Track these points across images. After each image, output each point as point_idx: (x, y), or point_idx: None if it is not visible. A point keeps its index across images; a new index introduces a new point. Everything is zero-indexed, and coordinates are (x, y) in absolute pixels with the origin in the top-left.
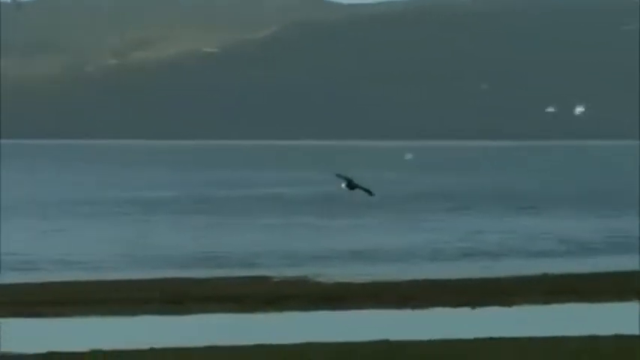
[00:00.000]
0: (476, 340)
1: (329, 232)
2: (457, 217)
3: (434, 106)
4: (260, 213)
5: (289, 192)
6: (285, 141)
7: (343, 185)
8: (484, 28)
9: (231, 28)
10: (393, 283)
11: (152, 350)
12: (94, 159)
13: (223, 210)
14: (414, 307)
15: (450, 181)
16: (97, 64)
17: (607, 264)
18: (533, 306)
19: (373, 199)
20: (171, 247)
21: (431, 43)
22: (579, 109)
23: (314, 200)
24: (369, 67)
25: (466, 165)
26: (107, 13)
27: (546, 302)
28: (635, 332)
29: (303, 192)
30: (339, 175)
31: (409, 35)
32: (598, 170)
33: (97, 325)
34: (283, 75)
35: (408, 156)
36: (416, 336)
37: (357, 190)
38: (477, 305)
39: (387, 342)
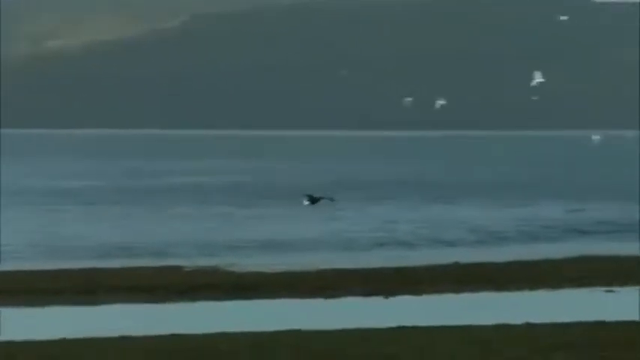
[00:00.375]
0: (388, 329)
1: (242, 222)
2: (369, 206)
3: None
4: (172, 203)
5: (202, 181)
6: (196, 130)
7: (306, 202)
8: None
9: (140, 18)
10: (305, 273)
11: (64, 341)
12: (6, 149)
13: (136, 200)
14: (326, 296)
15: (357, 170)
16: (8, 52)
17: (517, 253)
18: (444, 295)
19: (290, 188)
20: (84, 238)
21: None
22: (440, 102)
23: (226, 189)
24: (270, 57)
25: (360, 154)
26: (21, 2)
27: (457, 291)
28: (545, 320)
29: (215, 181)
30: (304, 195)
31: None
32: (497, 160)
33: (8, 316)
34: (191, 64)
35: None
36: (329, 325)
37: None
38: (389, 294)
39: (299, 332)
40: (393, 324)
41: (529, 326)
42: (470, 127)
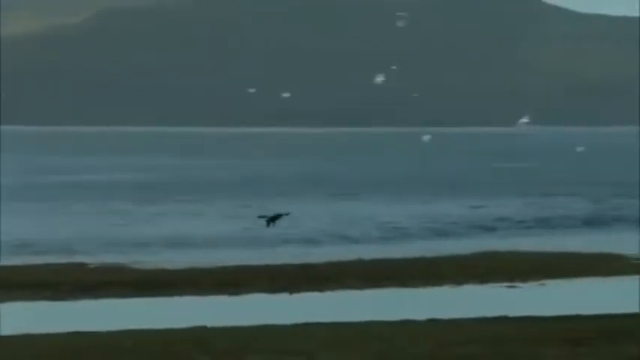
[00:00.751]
0: (293, 325)
1: (147, 219)
2: (273, 203)
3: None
4: (77, 199)
5: (106, 178)
6: (98, 127)
7: (265, 223)
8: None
9: (44, 14)
10: (210, 270)
11: None
12: None
13: (40, 196)
14: (231, 293)
15: (259, 166)
16: None
17: (421, 249)
18: (349, 291)
19: (197, 186)
20: None
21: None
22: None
23: (130, 186)
24: (173, 54)
25: (263, 150)
26: None
27: (361, 287)
28: (448, 316)
29: (120, 178)
30: (260, 217)
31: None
32: (389, 156)
33: None
34: (100, 59)
35: None
36: (233, 322)
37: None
38: (293, 291)
39: (204, 328)
40: (298, 320)
41: (432, 322)
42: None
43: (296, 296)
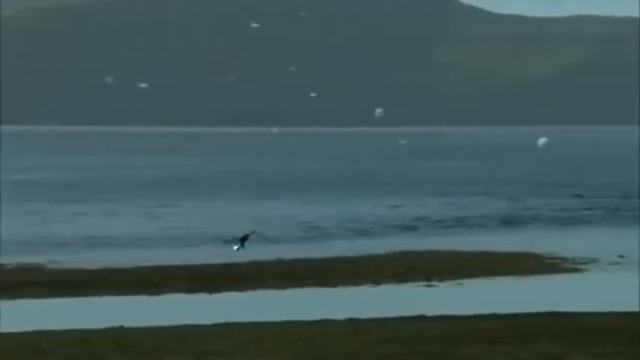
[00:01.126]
0: (213, 325)
1: (64, 218)
2: (194, 202)
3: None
4: None
5: (24, 178)
6: (29, 126)
7: (235, 247)
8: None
9: None
10: (129, 270)
11: None
12: None
13: None
14: (150, 293)
15: (182, 165)
16: None
17: (341, 249)
18: (269, 291)
19: (115, 185)
20: None
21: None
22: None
23: (47, 186)
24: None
25: (187, 150)
26: None
27: (281, 287)
28: (368, 315)
29: (39, 177)
30: (226, 241)
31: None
32: (310, 156)
33: None
34: (16, 58)
35: None
36: (153, 322)
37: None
38: (213, 291)
39: (123, 328)
40: (218, 320)
41: (352, 322)
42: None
43: (216, 296)
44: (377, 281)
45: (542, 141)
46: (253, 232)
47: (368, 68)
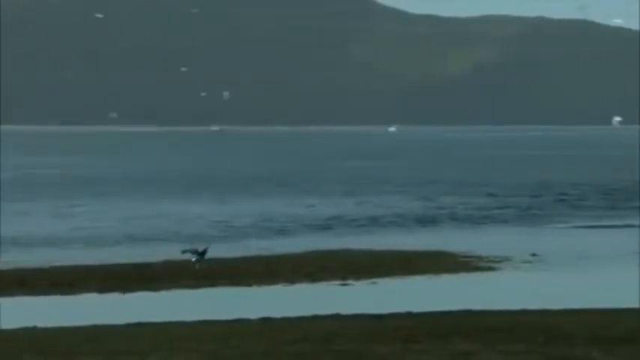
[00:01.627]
0: (126, 325)
1: None
2: (106, 201)
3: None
4: None
5: None
6: None
7: (194, 259)
8: None
9: None
10: (41, 269)
11: None
12: None
13: None
14: (63, 293)
15: (89, 165)
16: None
17: (257, 247)
18: (182, 290)
19: (26, 184)
20: None
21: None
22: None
23: None
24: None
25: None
26: None
27: (195, 286)
28: (284, 315)
29: None
30: (184, 251)
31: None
32: (224, 154)
33: None
34: None
35: None
36: (66, 322)
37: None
38: (126, 290)
39: (35, 329)
40: (131, 320)
41: (266, 321)
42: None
43: (129, 296)
44: (291, 280)
45: (391, 129)
46: (208, 246)
47: (286, 67)
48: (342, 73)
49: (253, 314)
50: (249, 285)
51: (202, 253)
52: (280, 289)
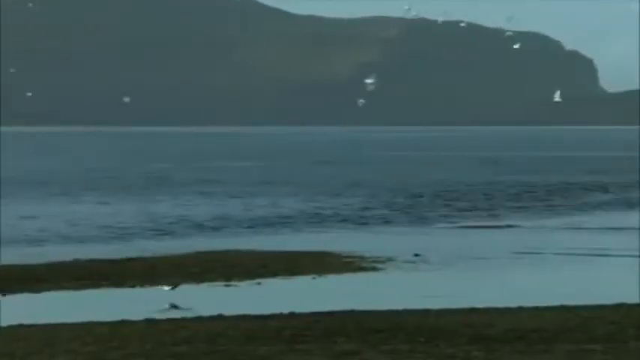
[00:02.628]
0: (7, 327)
1: None
2: None
3: None
4: None
5: None
6: None
7: (167, 288)
8: None
9: None
10: None
11: None
12: None
13: None
14: None
15: None
16: None
17: (140, 248)
18: (65, 291)
19: None
20: None
21: None
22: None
23: None
24: None
25: None
26: None
27: (78, 288)
28: (168, 316)
29: None
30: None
31: None
32: (101, 154)
33: None
34: None
35: None
36: None
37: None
38: (6, 292)
39: None
40: (12, 322)
41: (149, 322)
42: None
43: (10, 297)
44: (175, 281)
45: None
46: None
47: (166, 68)
48: (223, 73)
49: (137, 316)
50: (132, 286)
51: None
52: (163, 290)
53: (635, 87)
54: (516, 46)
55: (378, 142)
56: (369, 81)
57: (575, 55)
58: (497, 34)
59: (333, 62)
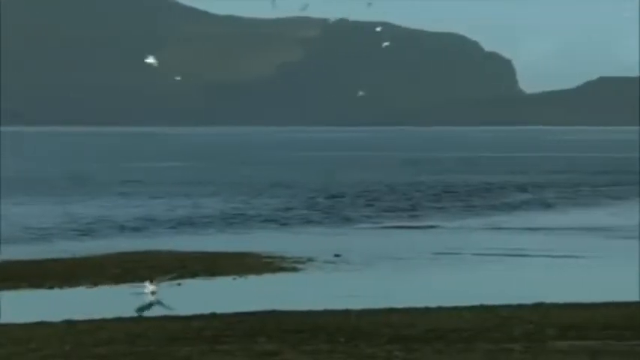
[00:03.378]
0: None
1: None
2: None
3: None
4: None
5: None
6: None
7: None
8: None
9: None
10: None
11: None
12: None
13: None
14: None
15: None
16: None
17: (61, 249)
18: None
19: None
20: None
21: None
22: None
23: None
24: None
25: None
26: None
27: None
28: (87, 317)
29: None
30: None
31: None
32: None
33: None
34: None
35: None
36: None
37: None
38: None
39: None
40: None
41: (69, 323)
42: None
43: None
44: (94, 282)
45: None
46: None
47: (81, 67)
48: (140, 74)
49: (56, 317)
50: (51, 287)
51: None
52: (84, 291)
53: (552, 88)
54: (435, 47)
55: (300, 142)
56: None
57: (494, 56)
58: (417, 35)
59: (253, 62)
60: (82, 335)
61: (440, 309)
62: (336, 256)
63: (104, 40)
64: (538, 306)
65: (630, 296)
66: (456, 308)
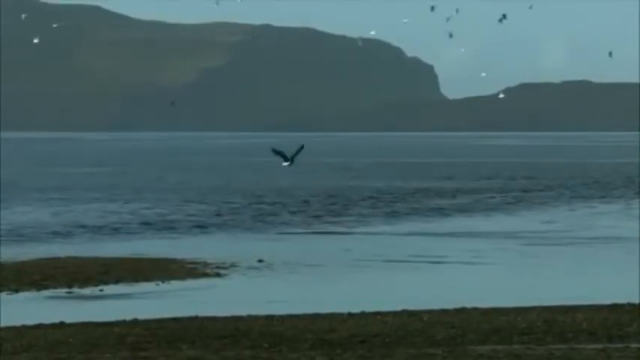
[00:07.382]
0: None
1: None
2: None
3: None
4: None
5: None
6: None
7: (285, 164)
8: None
9: None
10: None
11: None
12: None
13: None
14: None
15: None
16: None
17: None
18: None
19: None
20: None
21: None
22: None
23: None
24: None
25: None
26: None
27: None
28: (6, 324)
29: None
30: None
31: None
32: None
33: None
34: None
35: None
36: None
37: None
38: None
39: None
40: None
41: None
42: None
43: None
44: (15, 289)
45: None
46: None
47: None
48: (60, 78)
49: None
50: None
51: (291, 159)
52: (3, 297)
53: (473, 94)
54: (360, 52)
55: (225, 148)
56: None
57: (416, 62)
58: (340, 40)
59: (176, 67)
60: (2, 342)
61: (363, 314)
62: (260, 261)
63: (23, 42)
64: (460, 311)
65: (551, 301)
66: (379, 313)
